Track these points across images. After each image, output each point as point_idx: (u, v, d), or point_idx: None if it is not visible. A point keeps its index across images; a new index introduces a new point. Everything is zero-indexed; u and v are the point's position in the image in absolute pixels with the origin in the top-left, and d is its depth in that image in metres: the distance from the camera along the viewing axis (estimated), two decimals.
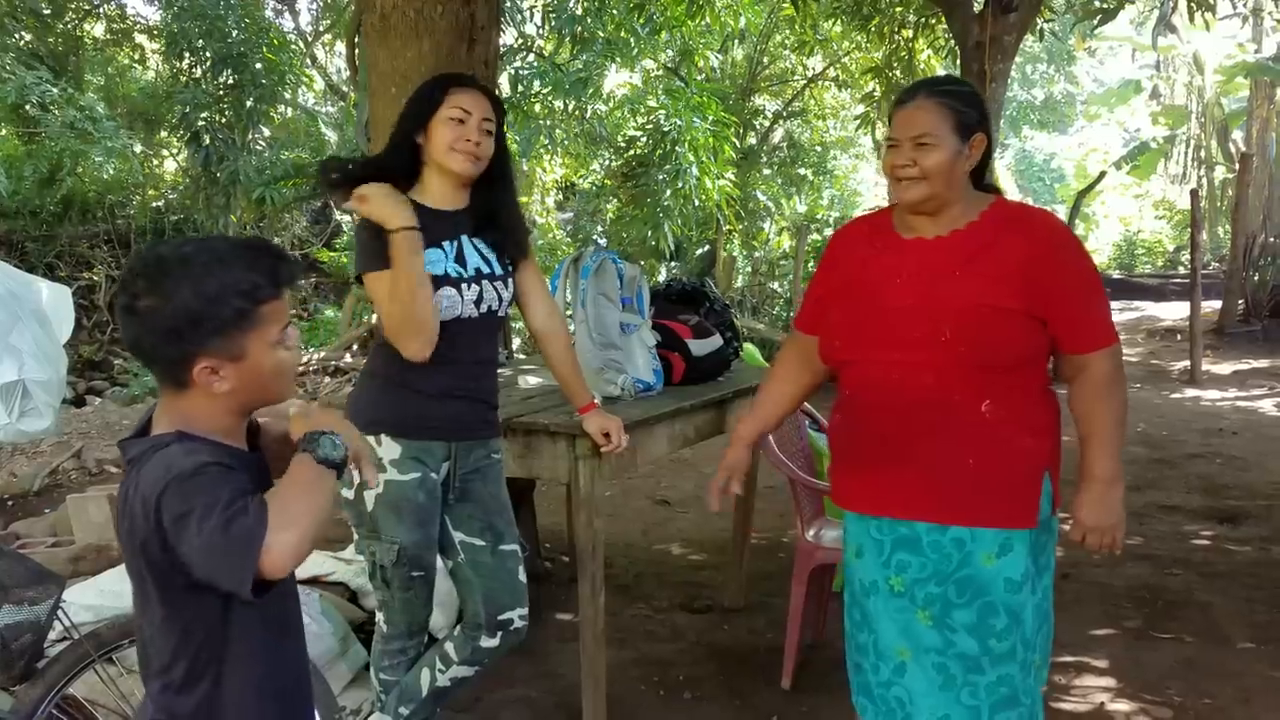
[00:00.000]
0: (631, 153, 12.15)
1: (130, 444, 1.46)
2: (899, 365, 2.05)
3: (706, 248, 13.81)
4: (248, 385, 1.45)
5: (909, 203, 2.07)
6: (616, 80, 12.84)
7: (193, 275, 1.39)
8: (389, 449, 2.36)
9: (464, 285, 2.38)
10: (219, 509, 1.29)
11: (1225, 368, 10.10)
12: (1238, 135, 19.40)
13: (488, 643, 2.52)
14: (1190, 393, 8.98)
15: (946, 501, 2.03)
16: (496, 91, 2.72)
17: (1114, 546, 2.12)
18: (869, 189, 19.09)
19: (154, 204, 13.09)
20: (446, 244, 2.39)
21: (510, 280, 2.50)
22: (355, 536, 2.49)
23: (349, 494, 2.40)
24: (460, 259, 2.40)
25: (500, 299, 2.47)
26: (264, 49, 11.77)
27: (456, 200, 2.43)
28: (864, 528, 2.14)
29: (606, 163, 13.73)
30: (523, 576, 2.58)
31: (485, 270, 2.43)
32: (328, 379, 9.85)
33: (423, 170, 2.40)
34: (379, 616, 2.56)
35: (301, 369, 9.82)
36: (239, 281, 1.41)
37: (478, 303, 2.41)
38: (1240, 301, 12.18)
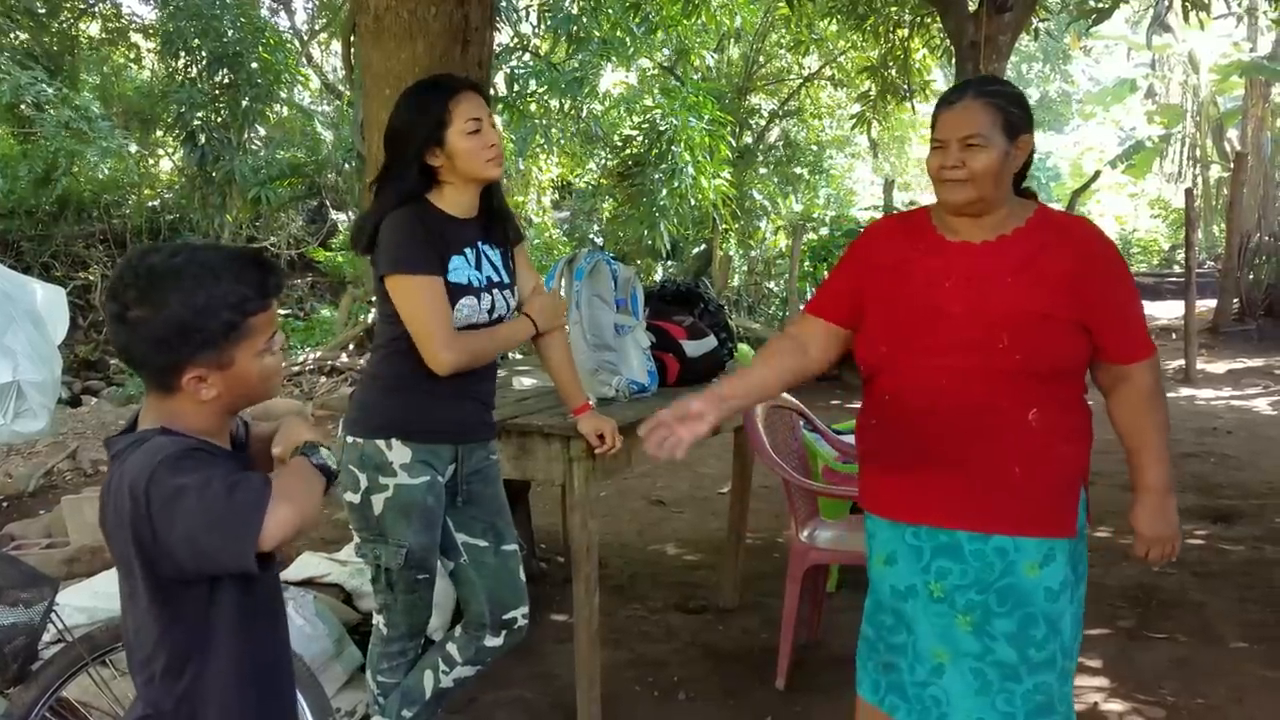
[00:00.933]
0: (627, 152, 12.16)
1: (115, 440, 1.48)
2: (947, 371, 2.01)
3: (702, 247, 13.83)
4: (234, 391, 1.48)
5: (955, 205, 2.03)
6: (612, 79, 12.86)
7: (183, 288, 1.41)
8: (399, 453, 2.36)
9: (481, 294, 2.40)
10: (218, 479, 1.33)
11: (1220, 367, 10.12)
12: (1233, 134, 19.41)
13: (492, 642, 2.54)
14: (1185, 391, 9.00)
15: (990, 510, 2.01)
16: (490, 91, 2.73)
17: (1173, 555, 2.15)
18: (865, 188, 19.11)
19: (149, 203, 13.08)
20: (468, 251, 2.40)
21: (515, 288, 2.53)
22: (356, 540, 2.49)
23: (354, 498, 2.40)
24: (478, 266, 2.41)
25: (509, 306, 2.50)
26: (260, 48, 11.75)
27: (472, 208, 2.44)
28: (898, 534, 2.12)
29: (602, 162, 13.75)
30: (523, 575, 2.59)
31: (496, 279, 2.45)
32: (324, 379, 9.84)
33: (439, 181, 2.39)
34: (378, 619, 2.56)
35: (298, 368, 9.82)
36: (228, 294, 1.43)
37: (490, 311, 2.42)
38: (1235, 300, 12.20)
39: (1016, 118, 2.02)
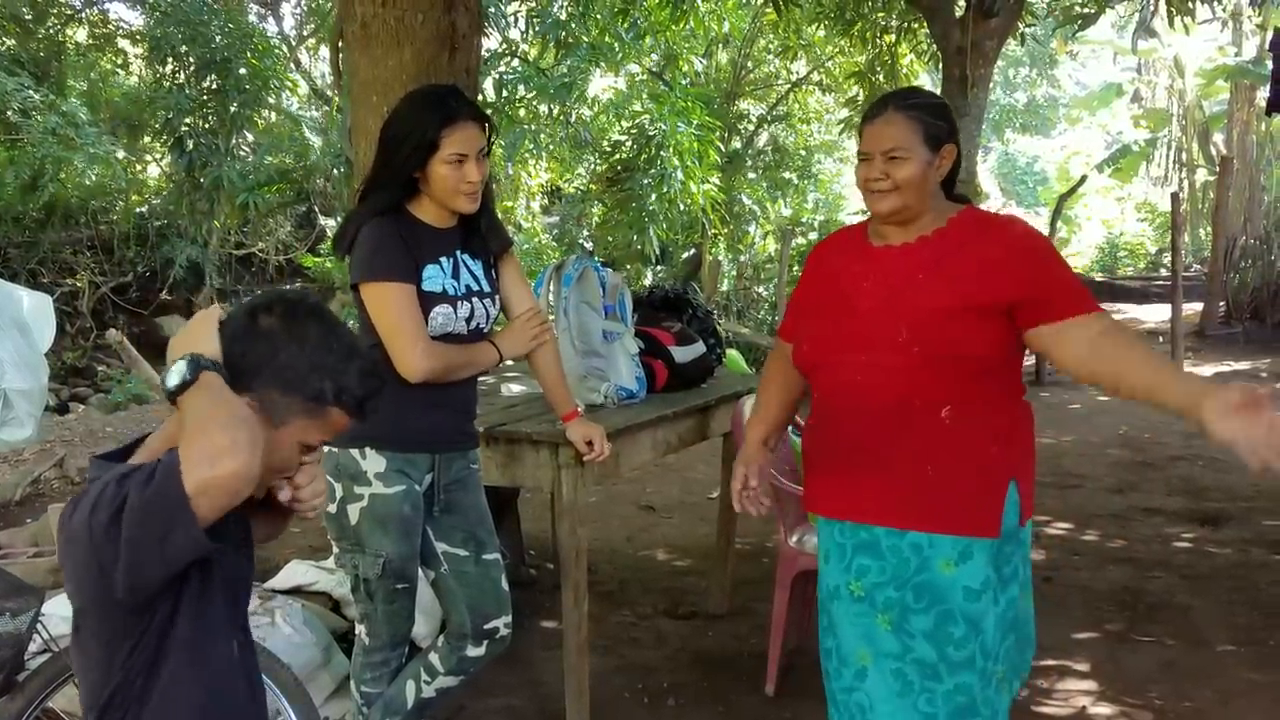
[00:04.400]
0: (616, 157, 12.18)
1: (100, 464, 1.38)
2: (863, 368, 2.06)
3: (692, 252, 13.85)
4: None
5: (882, 214, 2.10)
6: (601, 85, 12.85)
7: (323, 339, 1.41)
8: (374, 462, 2.35)
9: (458, 303, 2.39)
10: (138, 485, 1.22)
11: (1206, 369, 10.16)
12: (1218, 138, 19.53)
13: (474, 652, 2.52)
14: None
15: (905, 506, 2.04)
16: (479, 99, 2.72)
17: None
18: (853, 192, 19.15)
19: (138, 210, 13.01)
20: (444, 260, 2.39)
21: (496, 297, 2.51)
22: (335, 550, 2.48)
23: (331, 508, 2.39)
24: (455, 275, 2.41)
25: (488, 315, 2.49)
26: (248, 54, 11.73)
27: (451, 218, 2.43)
28: (829, 532, 2.16)
29: (591, 167, 13.76)
30: (505, 585, 2.58)
31: (475, 287, 2.44)
32: None
33: (420, 192, 2.38)
34: (360, 629, 2.55)
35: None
36: (341, 375, 1.41)
37: (468, 320, 2.42)
38: (1221, 304, 12.26)
39: (939, 129, 2.07)
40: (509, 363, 2.64)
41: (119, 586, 1.25)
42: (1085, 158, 23.26)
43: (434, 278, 2.36)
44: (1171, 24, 9.08)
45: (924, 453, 2.03)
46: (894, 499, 2.05)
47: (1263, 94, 16.86)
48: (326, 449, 2.35)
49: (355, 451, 2.35)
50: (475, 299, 2.43)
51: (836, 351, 2.11)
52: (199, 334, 1.39)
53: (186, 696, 1.38)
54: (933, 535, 2.03)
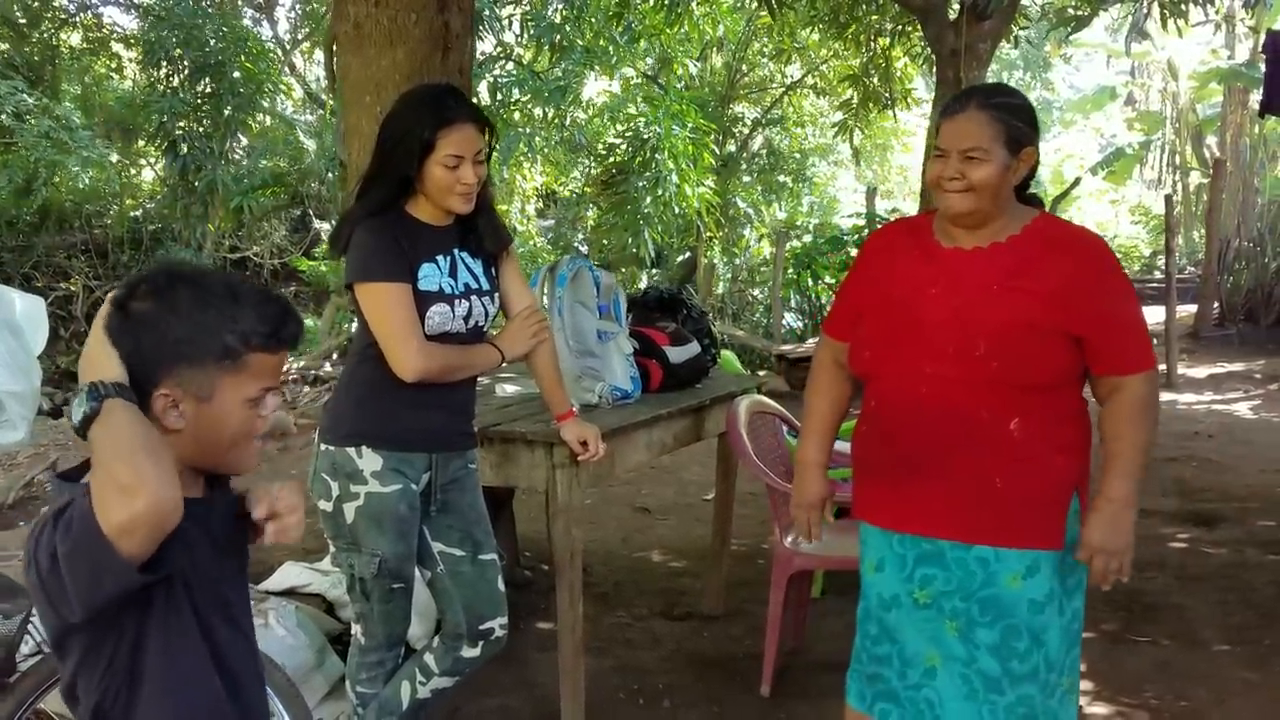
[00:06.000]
0: (611, 160, 12.19)
1: (60, 484, 1.32)
2: (929, 379, 2.01)
3: (687, 255, 13.85)
4: (204, 436, 1.33)
5: (953, 215, 2.03)
6: (596, 88, 12.87)
7: (197, 295, 1.32)
8: (370, 460, 2.34)
9: (456, 301, 2.38)
10: (61, 534, 1.17)
11: (1200, 371, 10.18)
12: (1212, 141, 19.60)
13: (469, 653, 2.51)
14: (1166, 396, 9.04)
15: (971, 521, 2.00)
16: (474, 99, 2.70)
17: (1121, 573, 2.01)
18: (848, 195, 19.16)
19: (132, 213, 12.99)
20: (441, 258, 2.37)
21: (496, 295, 2.50)
22: (331, 549, 2.47)
23: (327, 506, 2.38)
24: (453, 273, 2.40)
25: (487, 314, 2.47)
26: (242, 57, 11.71)
27: (448, 216, 2.41)
28: (885, 542, 2.12)
29: (586, 170, 13.77)
30: (501, 585, 2.57)
31: (474, 286, 2.42)
32: (307, 388, 9.80)
33: (416, 190, 2.36)
34: (356, 629, 2.54)
35: (281, 378, 9.76)
36: (239, 318, 1.32)
37: (466, 318, 2.40)
38: (1215, 305, 12.28)
39: (1020, 131, 1.99)
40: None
41: (74, 613, 1.21)
42: (1079, 160, 23.33)
43: (430, 276, 2.35)
44: (1165, 26, 9.09)
45: (991, 465, 1.99)
46: (959, 511, 2.01)
47: (1256, 97, 16.93)
48: (323, 446, 2.36)
49: (352, 450, 2.34)
50: (474, 297, 2.42)
51: (902, 361, 2.05)
52: (97, 354, 1.29)
53: (171, 708, 1.34)
54: (999, 549, 2.00)
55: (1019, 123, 2.00)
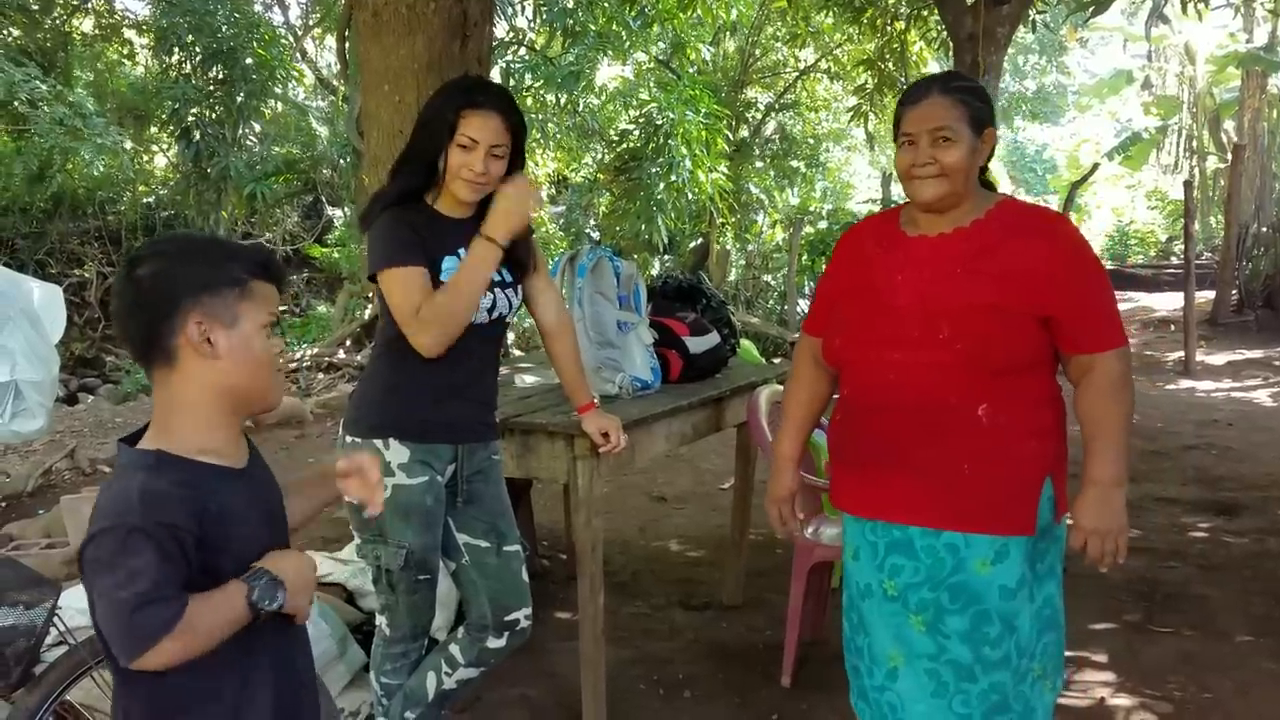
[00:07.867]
0: (624, 146, 12.14)
1: (121, 448, 1.46)
2: (897, 366, 2.02)
3: (699, 241, 13.80)
4: (239, 360, 1.44)
5: (926, 201, 2.04)
6: (608, 74, 12.81)
7: (195, 245, 1.49)
8: (397, 453, 2.34)
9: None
10: (131, 590, 1.30)
11: (1219, 358, 10.12)
12: (1229, 125, 19.39)
13: (494, 643, 2.52)
14: (1185, 384, 9.00)
15: (940, 507, 2.00)
16: None
17: (1117, 554, 2.04)
18: (862, 181, 19.08)
19: (144, 200, 13.01)
20: (463, 252, 2.36)
21: (519, 287, 2.49)
22: (356, 540, 2.47)
23: (354, 499, 2.37)
24: None
25: (510, 305, 2.46)
26: (254, 44, 11.70)
27: (468, 209, 2.40)
28: (860, 530, 2.12)
29: (599, 156, 13.71)
30: (525, 576, 2.57)
31: (496, 278, 2.40)
32: (321, 375, 9.82)
33: (441, 181, 2.36)
34: (381, 620, 2.54)
35: (294, 365, 9.79)
36: (237, 255, 1.47)
37: (490, 310, 2.39)
38: (1234, 292, 12.20)
39: (982, 111, 2.04)
40: (517, 353, 2.61)
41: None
42: (1095, 145, 23.15)
43: (453, 270, 2.34)
44: (1185, 10, 8.99)
45: (960, 451, 1.99)
46: (929, 498, 2.01)
47: (1275, 81, 16.80)
48: (349, 439, 2.35)
49: (379, 442, 2.34)
50: (495, 289, 2.40)
51: (870, 347, 2.07)
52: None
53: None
54: (969, 535, 2.00)
55: (979, 102, 2.04)
